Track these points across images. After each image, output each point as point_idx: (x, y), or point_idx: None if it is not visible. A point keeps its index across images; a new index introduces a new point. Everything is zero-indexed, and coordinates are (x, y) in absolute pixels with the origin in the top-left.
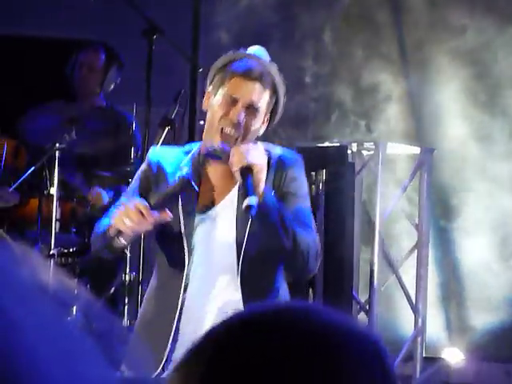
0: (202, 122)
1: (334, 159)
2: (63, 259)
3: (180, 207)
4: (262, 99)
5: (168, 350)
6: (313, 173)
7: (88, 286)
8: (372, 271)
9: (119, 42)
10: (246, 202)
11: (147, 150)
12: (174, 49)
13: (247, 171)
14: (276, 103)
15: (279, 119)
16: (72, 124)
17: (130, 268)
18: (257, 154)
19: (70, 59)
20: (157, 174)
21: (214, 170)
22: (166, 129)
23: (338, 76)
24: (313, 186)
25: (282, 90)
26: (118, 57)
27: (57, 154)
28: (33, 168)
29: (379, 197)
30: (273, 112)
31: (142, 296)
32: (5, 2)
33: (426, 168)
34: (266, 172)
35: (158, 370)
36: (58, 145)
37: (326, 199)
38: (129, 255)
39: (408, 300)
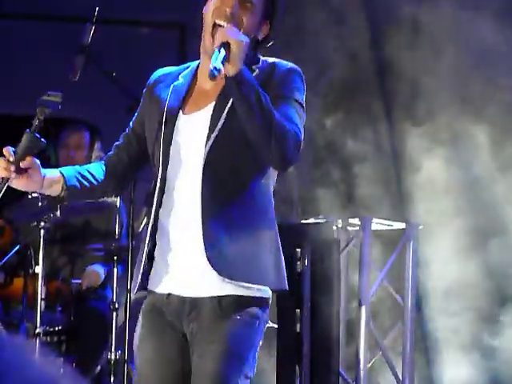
0: None
1: (318, 235)
2: (49, 338)
3: (165, 108)
4: None
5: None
6: (298, 249)
7: (73, 364)
8: (358, 349)
9: (103, 119)
10: (210, 64)
11: (132, 226)
12: None
13: (225, 45)
14: (273, 5)
15: None
16: (57, 202)
17: (115, 347)
18: (239, 34)
19: (47, 138)
20: (150, 92)
21: (205, 80)
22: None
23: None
24: (298, 263)
25: None
26: (100, 133)
27: (42, 233)
28: (17, 247)
29: (364, 273)
30: (272, 18)
31: (128, 375)
32: None
33: (412, 243)
34: (244, 49)
35: (136, 289)
36: (42, 223)
37: (312, 276)
38: (114, 335)
39: (395, 376)
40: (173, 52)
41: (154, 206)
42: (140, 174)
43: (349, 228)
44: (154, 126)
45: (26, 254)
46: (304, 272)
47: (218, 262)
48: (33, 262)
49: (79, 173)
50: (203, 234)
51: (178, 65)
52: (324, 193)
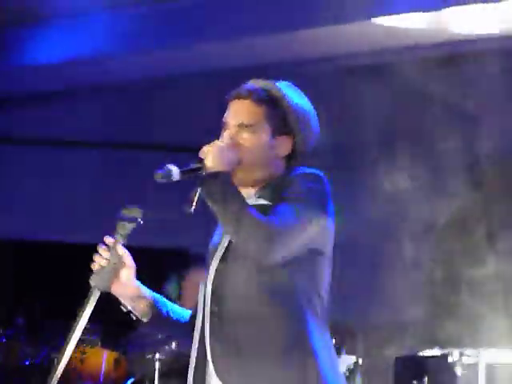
0: None
1: (436, 368)
2: None
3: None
4: (255, 115)
5: None
6: (414, 382)
7: None
8: None
9: None
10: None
11: None
12: None
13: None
14: (283, 118)
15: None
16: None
17: None
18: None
19: None
20: None
21: None
22: None
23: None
24: None
25: (287, 101)
26: None
27: (157, 365)
28: (132, 379)
29: None
30: (294, 132)
31: None
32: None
33: None
34: (220, 153)
35: None
36: (157, 355)
37: None
38: None
39: None
40: None
41: None
42: None
43: (463, 358)
44: None
45: None
46: None
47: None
48: None
49: (167, 302)
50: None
51: None
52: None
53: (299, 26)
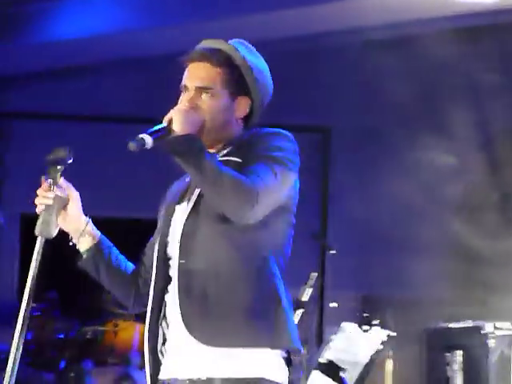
0: (331, 305)
1: (468, 341)
2: None
3: (165, 206)
4: (213, 78)
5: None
6: (447, 354)
7: None
8: None
9: None
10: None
11: None
12: (304, 230)
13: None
14: (241, 80)
15: None
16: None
17: None
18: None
19: None
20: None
21: None
22: (299, 312)
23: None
24: (447, 367)
25: (245, 62)
26: None
27: None
28: None
29: None
30: (250, 94)
31: None
32: None
33: None
34: (186, 117)
35: None
36: None
37: (464, 381)
38: None
39: None
40: (317, 155)
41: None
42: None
43: (496, 332)
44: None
45: None
46: (453, 377)
47: (197, 328)
48: None
49: (113, 248)
50: (181, 314)
51: (322, 168)
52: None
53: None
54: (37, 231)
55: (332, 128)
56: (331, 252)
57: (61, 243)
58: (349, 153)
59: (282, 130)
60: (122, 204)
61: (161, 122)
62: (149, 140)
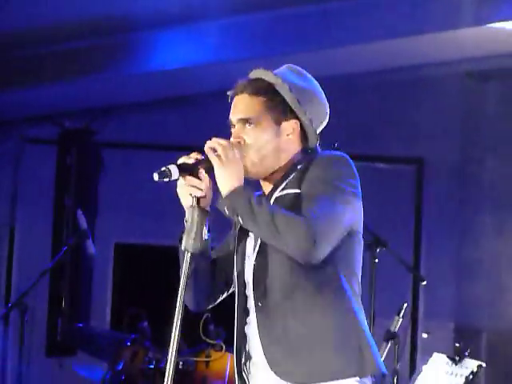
0: (424, 335)
1: None
2: None
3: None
4: (252, 107)
5: None
6: None
7: None
8: None
9: None
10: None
11: None
12: (396, 261)
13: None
14: (283, 103)
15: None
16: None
17: None
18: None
19: None
20: None
21: None
22: (390, 342)
23: None
24: None
25: (284, 84)
26: None
27: None
28: None
29: None
30: (293, 113)
31: None
32: None
33: None
34: (228, 154)
35: None
36: None
37: None
38: None
39: None
40: (410, 186)
41: None
42: (377, 308)
43: None
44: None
45: None
46: None
47: (277, 363)
48: None
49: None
50: (264, 355)
51: (414, 199)
52: None
53: (416, 31)
54: (182, 246)
55: (426, 159)
56: (423, 283)
57: (152, 274)
58: (442, 186)
59: (338, 153)
60: None
61: (202, 151)
62: (175, 170)
